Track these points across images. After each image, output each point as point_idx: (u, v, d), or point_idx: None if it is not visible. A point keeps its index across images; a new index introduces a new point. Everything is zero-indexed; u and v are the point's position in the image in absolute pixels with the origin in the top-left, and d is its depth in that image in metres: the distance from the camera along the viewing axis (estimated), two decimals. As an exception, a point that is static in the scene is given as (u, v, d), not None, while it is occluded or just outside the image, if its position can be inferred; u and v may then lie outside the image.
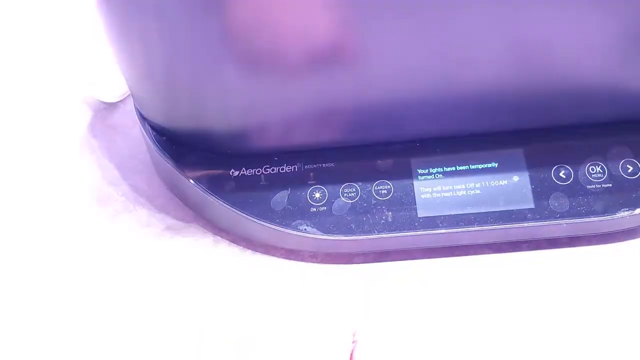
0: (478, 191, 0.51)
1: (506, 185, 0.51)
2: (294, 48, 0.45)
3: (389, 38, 0.45)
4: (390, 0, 0.43)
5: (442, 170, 0.52)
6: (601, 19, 0.45)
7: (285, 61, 0.46)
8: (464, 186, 0.52)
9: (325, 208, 0.52)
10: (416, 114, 0.52)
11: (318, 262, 0.52)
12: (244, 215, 0.52)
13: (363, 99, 0.50)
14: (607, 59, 0.48)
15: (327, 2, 0.43)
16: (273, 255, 0.53)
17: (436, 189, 0.52)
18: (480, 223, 0.50)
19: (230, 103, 0.50)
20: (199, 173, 0.54)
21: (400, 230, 0.51)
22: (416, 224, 0.51)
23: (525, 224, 0.50)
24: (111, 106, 0.67)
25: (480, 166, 0.52)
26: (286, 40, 0.45)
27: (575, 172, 0.51)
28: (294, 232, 0.51)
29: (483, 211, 0.51)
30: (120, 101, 0.67)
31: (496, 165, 0.52)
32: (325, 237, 0.51)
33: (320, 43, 0.45)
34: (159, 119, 0.56)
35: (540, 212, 0.50)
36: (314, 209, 0.52)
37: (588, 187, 0.51)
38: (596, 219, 0.50)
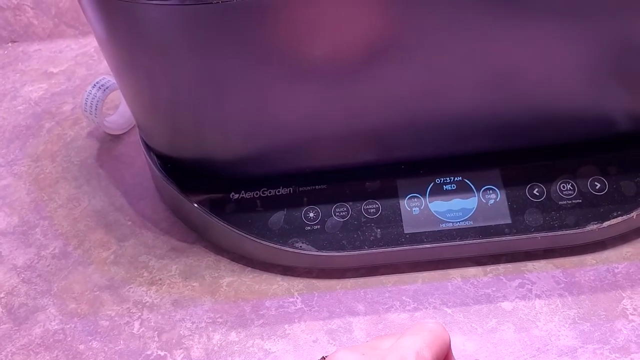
0: (459, 208, 0.56)
1: (485, 203, 0.56)
2: (290, 84, 0.50)
3: (376, 72, 0.49)
4: (376, 40, 0.48)
5: (425, 190, 0.57)
6: (568, 51, 0.50)
7: (281, 95, 0.51)
8: (446, 204, 0.56)
9: (319, 226, 0.56)
10: (401, 139, 0.57)
11: (312, 277, 0.56)
12: (244, 235, 0.56)
13: (352, 126, 0.54)
14: (574, 88, 0.53)
15: (319, 43, 0.48)
16: (270, 271, 0.57)
17: (420, 207, 0.56)
18: (462, 238, 0.55)
19: (230, 133, 0.55)
20: (201, 197, 0.58)
21: (388, 246, 0.55)
22: (403, 239, 0.55)
23: (504, 238, 0.55)
24: (116, 138, 0.72)
25: (461, 185, 0.57)
26: (283, 76, 0.49)
27: (548, 189, 0.56)
28: (291, 250, 0.55)
29: (464, 227, 0.55)
30: (125, 133, 0.72)
31: (475, 184, 0.57)
32: (320, 253, 0.55)
33: (313, 78, 0.50)
34: (163, 148, 0.60)
35: (516, 227, 0.55)
36: (309, 228, 0.56)
37: (560, 203, 0.55)
38: (568, 232, 0.54)
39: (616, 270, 0.54)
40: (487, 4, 0.46)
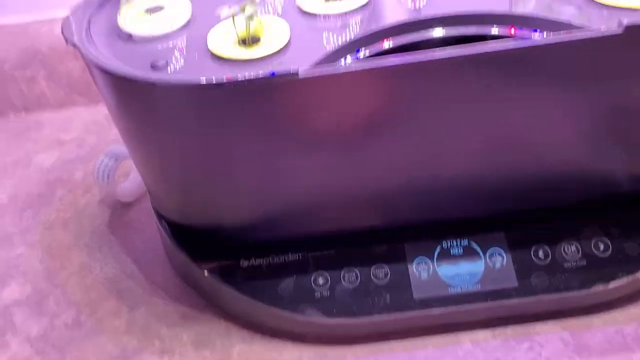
0: (466, 272, 0.57)
1: (491, 266, 0.57)
2: (298, 156, 0.52)
3: (379, 143, 0.51)
4: (379, 114, 0.50)
5: (433, 254, 0.58)
6: (567, 115, 0.51)
7: (289, 166, 0.53)
8: (453, 268, 0.57)
9: (328, 293, 0.57)
10: (406, 204, 0.58)
11: (323, 344, 0.57)
12: (255, 302, 0.57)
13: (358, 193, 0.56)
14: (575, 150, 0.54)
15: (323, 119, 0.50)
16: (280, 338, 0.58)
17: (429, 272, 0.57)
18: (471, 302, 0.55)
19: (240, 202, 0.56)
20: (212, 265, 0.59)
21: (398, 311, 0.55)
22: (412, 304, 0.56)
23: (511, 301, 0.55)
24: (128, 205, 0.73)
25: (467, 249, 0.58)
26: (290, 149, 0.51)
27: (553, 251, 0.57)
28: (301, 317, 0.56)
29: (472, 291, 0.56)
30: (136, 200, 0.73)
31: (481, 247, 0.58)
32: (330, 320, 0.55)
33: (319, 151, 0.51)
34: (174, 215, 0.62)
35: (523, 290, 0.55)
36: (318, 294, 0.57)
37: (565, 265, 0.56)
38: (574, 293, 0.55)
39: (625, 332, 0.55)
40: (486, 74, 0.48)
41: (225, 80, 0.46)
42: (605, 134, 0.54)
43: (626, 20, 0.45)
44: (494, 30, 0.51)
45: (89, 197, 0.76)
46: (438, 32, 0.52)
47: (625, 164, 0.57)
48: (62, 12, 0.84)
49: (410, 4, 0.56)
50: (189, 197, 0.58)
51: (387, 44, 0.52)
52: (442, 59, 0.46)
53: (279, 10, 0.57)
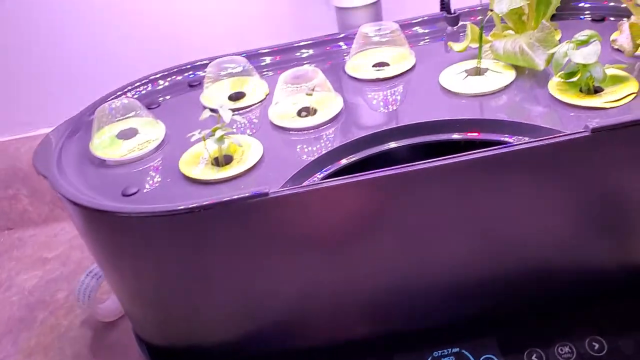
0: (459, 380, 0.54)
1: (484, 373, 0.54)
2: (277, 274, 0.51)
3: (366, 250, 0.50)
4: (364, 223, 0.49)
5: (424, 363, 0.56)
6: (548, 215, 0.51)
7: (268, 284, 0.51)
8: (446, 376, 0.55)
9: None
10: (394, 311, 0.56)
11: None
12: None
13: (344, 301, 0.54)
14: (564, 244, 0.53)
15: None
16: None
17: (420, 383, 0.55)
18: (466, 413, 0.53)
19: (219, 322, 0.54)
20: (195, 389, 0.57)
21: None
22: (405, 420, 0.53)
23: (508, 409, 0.53)
24: (110, 325, 0.71)
25: (458, 358, 0.55)
26: (268, 268, 0.50)
27: (547, 353, 0.55)
28: None
29: (466, 399, 0.53)
30: (119, 319, 0.71)
31: (473, 355, 0.55)
32: None
33: (299, 266, 0.50)
34: (154, 338, 0.59)
35: (520, 396, 0.53)
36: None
37: (560, 367, 0.54)
38: (572, 397, 0.52)
39: None
40: (461, 181, 0.48)
41: (192, 207, 0.45)
42: (585, 227, 0.53)
43: (594, 123, 0.45)
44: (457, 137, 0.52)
45: (72, 318, 0.74)
46: (408, 141, 0.52)
47: (609, 255, 0.55)
48: (42, 130, 0.86)
49: (380, 113, 0.56)
50: (166, 319, 0.56)
51: (356, 157, 0.52)
52: (418, 169, 0.46)
53: (253, 128, 0.57)
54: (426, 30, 0.67)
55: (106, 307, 0.71)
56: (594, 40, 0.49)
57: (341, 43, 0.67)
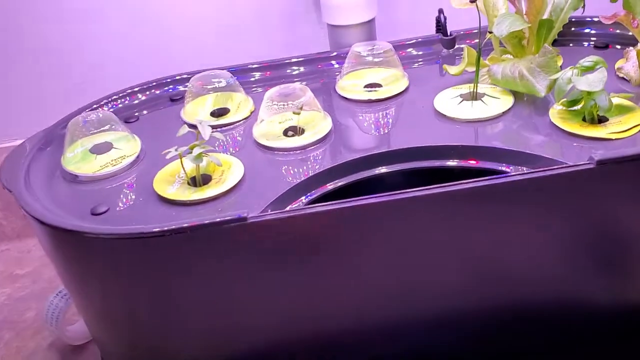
0: None
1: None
2: (252, 300, 0.47)
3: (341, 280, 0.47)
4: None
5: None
6: (557, 253, 0.48)
7: (243, 309, 0.48)
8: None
9: None
10: (382, 340, 0.53)
11: None
12: None
13: (315, 332, 0.51)
14: (562, 287, 0.50)
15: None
16: None
17: None
18: None
19: (190, 352, 0.51)
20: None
21: None
22: None
23: None
24: (78, 348, 0.67)
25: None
26: (243, 293, 0.47)
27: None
28: None
29: None
30: (88, 342, 0.67)
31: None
32: None
33: (275, 292, 0.47)
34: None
35: None
36: None
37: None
38: None
39: None
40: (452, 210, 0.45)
41: (163, 230, 0.42)
42: (583, 265, 0.50)
43: (598, 155, 0.42)
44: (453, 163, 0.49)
45: (39, 340, 0.70)
46: (399, 167, 0.49)
47: (607, 294, 0.52)
48: (15, 142, 0.82)
49: (371, 136, 0.53)
50: (134, 345, 0.52)
51: (344, 182, 0.49)
52: (407, 197, 0.43)
53: (236, 146, 0.54)
54: (421, 52, 0.64)
55: (75, 329, 0.67)
56: (600, 67, 0.46)
57: (333, 61, 0.65)
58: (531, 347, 0.54)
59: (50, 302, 0.65)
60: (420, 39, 0.65)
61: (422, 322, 0.51)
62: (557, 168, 0.42)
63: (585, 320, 0.53)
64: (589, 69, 0.46)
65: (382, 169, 0.50)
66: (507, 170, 0.48)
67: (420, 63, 0.64)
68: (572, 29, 0.62)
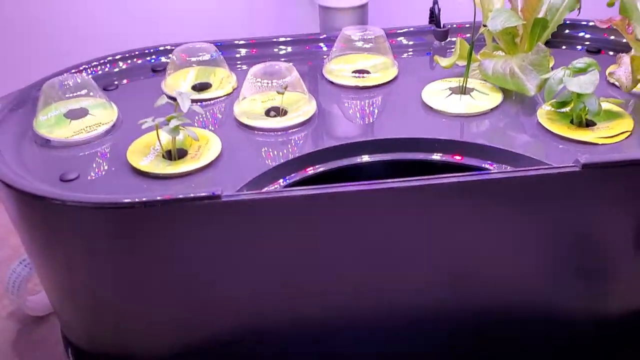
0: None
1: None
2: (223, 284, 0.46)
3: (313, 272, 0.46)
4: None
5: None
6: (536, 255, 0.47)
7: (213, 293, 0.47)
8: None
9: None
10: (345, 335, 0.52)
11: None
12: None
13: (288, 319, 0.50)
14: (537, 291, 0.49)
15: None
16: None
17: None
18: None
19: (152, 333, 0.50)
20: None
21: None
22: None
23: None
24: (39, 320, 0.65)
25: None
26: (213, 276, 0.45)
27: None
28: None
29: None
30: (50, 314, 0.66)
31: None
32: None
33: (244, 278, 0.46)
34: (81, 342, 0.54)
35: None
36: None
37: None
38: None
39: None
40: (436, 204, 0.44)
41: (132, 202, 0.41)
42: (561, 268, 0.49)
43: (584, 158, 0.41)
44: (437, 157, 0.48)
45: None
46: (382, 157, 0.48)
47: (583, 300, 0.52)
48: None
49: (356, 123, 0.52)
50: (95, 321, 0.51)
51: (324, 168, 0.47)
52: (386, 188, 0.42)
53: (215, 123, 0.52)
54: (412, 42, 0.63)
55: (36, 300, 0.66)
56: (593, 70, 0.45)
57: (322, 44, 0.63)
58: (507, 349, 0.53)
59: (13, 270, 0.63)
60: (412, 29, 0.63)
61: (393, 318, 0.51)
62: (541, 169, 0.42)
63: (561, 325, 0.52)
64: (582, 71, 0.46)
65: (365, 158, 0.49)
66: (490, 168, 0.47)
67: (411, 53, 0.63)
68: (566, 31, 0.61)
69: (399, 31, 0.64)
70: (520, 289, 0.49)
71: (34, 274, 0.63)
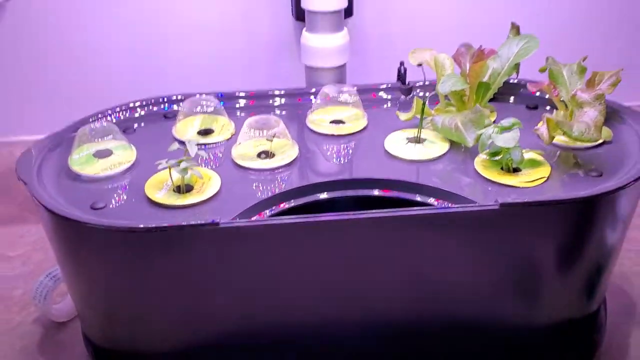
0: None
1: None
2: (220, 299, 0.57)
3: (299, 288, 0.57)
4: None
5: None
6: (467, 276, 0.58)
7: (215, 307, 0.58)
8: None
9: None
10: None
11: None
12: None
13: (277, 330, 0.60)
14: (473, 305, 0.60)
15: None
16: None
17: None
18: None
19: (157, 334, 0.60)
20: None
21: None
22: None
23: None
24: (61, 325, 0.76)
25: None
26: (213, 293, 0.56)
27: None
28: None
29: None
30: (70, 320, 0.76)
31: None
32: None
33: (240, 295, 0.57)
34: (101, 340, 0.65)
35: None
36: None
37: None
38: None
39: None
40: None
41: (151, 227, 0.52)
42: (489, 287, 0.59)
43: (500, 199, 0.53)
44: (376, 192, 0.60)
45: (25, 315, 0.78)
46: (350, 193, 0.60)
47: (513, 313, 0.61)
48: (20, 137, 0.91)
49: (332, 164, 0.64)
50: (114, 323, 0.62)
51: (304, 201, 0.59)
52: (341, 219, 0.53)
53: (216, 163, 0.64)
54: (382, 97, 0.75)
55: (59, 308, 0.76)
56: (515, 128, 0.57)
57: (312, 97, 0.74)
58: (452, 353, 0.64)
59: (41, 282, 0.74)
60: (382, 86, 0.75)
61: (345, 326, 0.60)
62: (469, 206, 0.53)
63: (499, 332, 0.62)
64: (507, 129, 0.58)
65: (337, 194, 0.60)
66: (435, 203, 0.58)
67: (380, 106, 0.74)
68: (511, 89, 0.73)
69: (371, 87, 0.75)
70: (463, 302, 0.60)
71: (58, 285, 0.74)
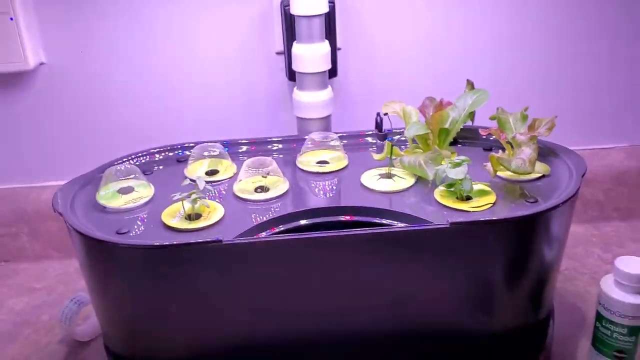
0: None
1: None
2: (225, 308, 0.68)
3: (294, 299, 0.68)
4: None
5: None
6: (426, 289, 0.69)
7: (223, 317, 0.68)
8: None
9: None
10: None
11: None
12: None
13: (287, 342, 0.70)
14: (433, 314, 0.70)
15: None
16: None
17: None
18: None
19: (171, 342, 0.70)
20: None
21: None
22: None
23: None
24: (84, 344, 0.85)
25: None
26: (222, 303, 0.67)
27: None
28: None
29: None
30: (91, 340, 0.86)
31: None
32: None
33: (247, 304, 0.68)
34: (119, 350, 0.75)
35: None
36: None
37: None
38: None
39: None
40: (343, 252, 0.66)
41: (165, 244, 0.63)
42: (447, 297, 0.69)
43: (451, 219, 0.64)
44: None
45: (51, 336, 0.88)
46: (331, 218, 0.71)
47: (472, 321, 0.70)
48: (47, 182, 1.03)
49: (316, 197, 0.76)
50: (136, 333, 0.72)
51: (291, 225, 0.71)
52: (321, 237, 0.65)
53: (220, 196, 0.76)
54: (361, 141, 0.88)
55: (83, 329, 0.86)
56: (464, 164, 0.70)
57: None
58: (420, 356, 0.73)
59: (66, 306, 0.84)
60: (361, 132, 0.88)
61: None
62: (424, 225, 0.65)
63: (463, 337, 0.71)
64: (458, 165, 0.70)
65: (320, 219, 0.72)
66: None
67: (359, 149, 0.86)
68: (470, 134, 0.86)
69: (352, 134, 0.88)
70: (428, 311, 0.70)
71: (82, 309, 0.84)
